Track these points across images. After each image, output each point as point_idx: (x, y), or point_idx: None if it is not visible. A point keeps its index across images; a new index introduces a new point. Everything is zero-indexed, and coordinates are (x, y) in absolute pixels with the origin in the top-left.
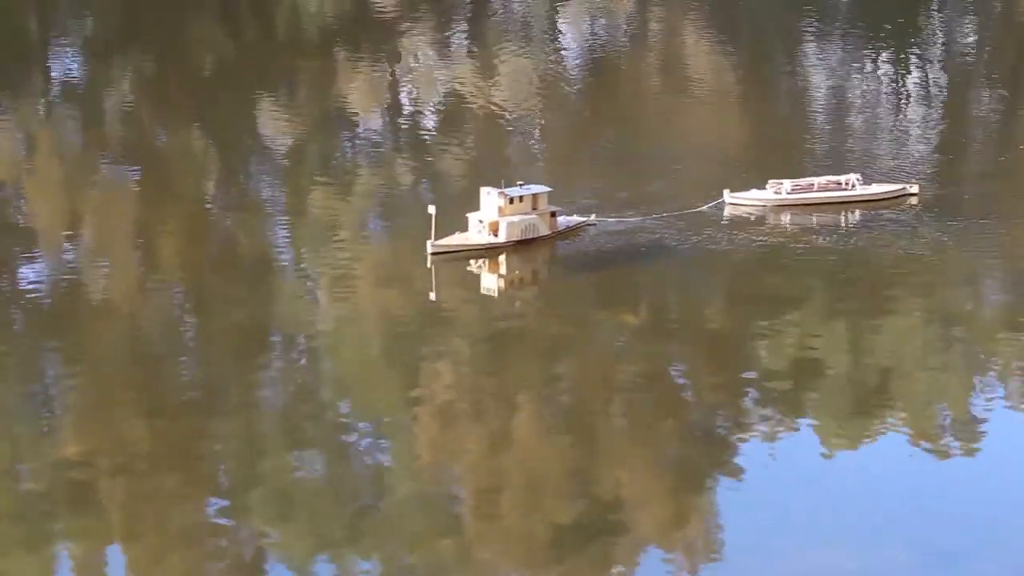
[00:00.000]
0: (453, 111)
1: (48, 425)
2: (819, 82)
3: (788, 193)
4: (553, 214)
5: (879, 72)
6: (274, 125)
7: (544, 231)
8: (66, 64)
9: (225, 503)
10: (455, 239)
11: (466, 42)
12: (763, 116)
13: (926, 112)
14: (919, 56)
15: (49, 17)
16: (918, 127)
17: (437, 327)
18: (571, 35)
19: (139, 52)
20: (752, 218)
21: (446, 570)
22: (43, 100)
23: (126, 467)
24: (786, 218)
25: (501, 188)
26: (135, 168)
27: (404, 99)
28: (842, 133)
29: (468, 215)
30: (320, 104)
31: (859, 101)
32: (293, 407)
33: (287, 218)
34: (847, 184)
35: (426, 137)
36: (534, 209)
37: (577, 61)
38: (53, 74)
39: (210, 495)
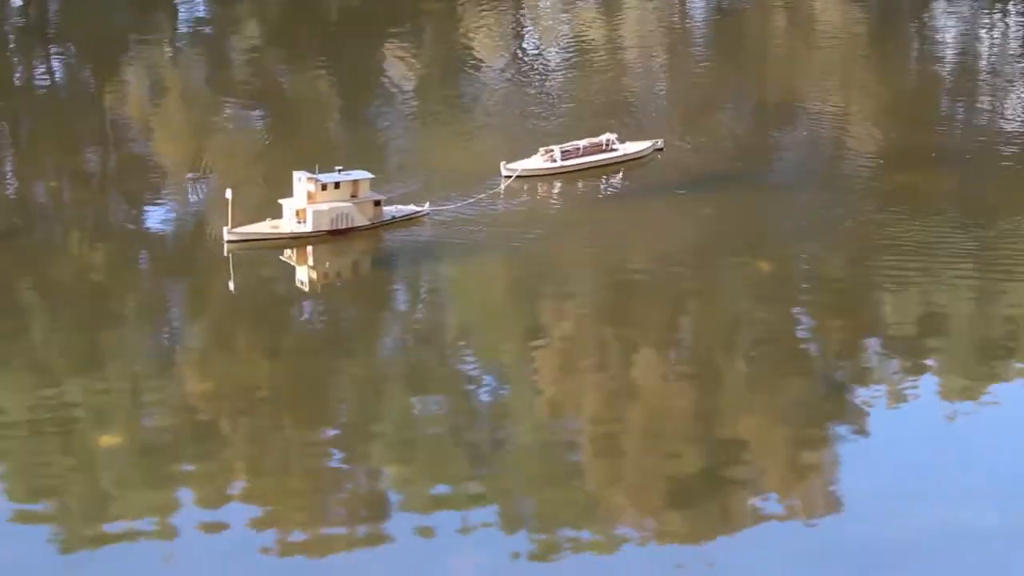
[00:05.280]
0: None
1: (173, 364)
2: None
3: (563, 159)
4: (377, 203)
5: None
6: (399, 68)
7: (361, 221)
8: (193, 7)
9: (345, 443)
10: (259, 227)
11: None
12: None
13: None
14: None
15: None
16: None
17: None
18: None
19: None
20: (525, 188)
21: (565, 515)
22: (170, 43)
23: (248, 406)
24: (557, 186)
25: (313, 172)
26: (260, 110)
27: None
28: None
29: (281, 201)
30: (444, 47)
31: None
32: (414, 350)
33: (409, 161)
34: (607, 144)
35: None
36: (353, 197)
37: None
38: (180, 17)
39: (330, 435)
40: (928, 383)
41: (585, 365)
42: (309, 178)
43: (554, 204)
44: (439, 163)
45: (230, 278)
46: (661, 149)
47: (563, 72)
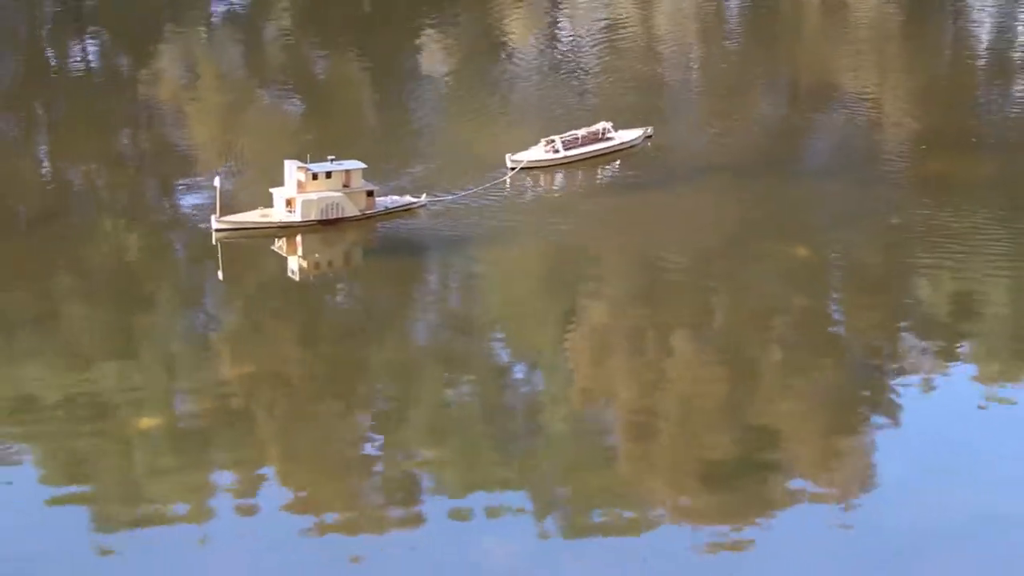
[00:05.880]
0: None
1: (207, 349)
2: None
3: (565, 149)
4: (370, 193)
5: None
6: (431, 54)
7: (352, 211)
8: None
9: (379, 428)
10: (249, 215)
11: None
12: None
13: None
14: None
15: None
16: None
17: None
18: None
19: None
20: (528, 180)
21: (598, 501)
22: (205, 27)
23: (282, 390)
24: (559, 177)
25: (305, 162)
26: (294, 95)
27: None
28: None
29: (272, 190)
30: (479, 33)
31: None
32: (448, 336)
33: (446, 146)
34: (602, 133)
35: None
36: (345, 187)
37: None
38: (214, 2)
39: (365, 419)
40: (962, 370)
41: (619, 353)
42: (299, 167)
43: (563, 194)
44: (453, 152)
45: (230, 266)
46: (651, 136)
47: (594, 57)
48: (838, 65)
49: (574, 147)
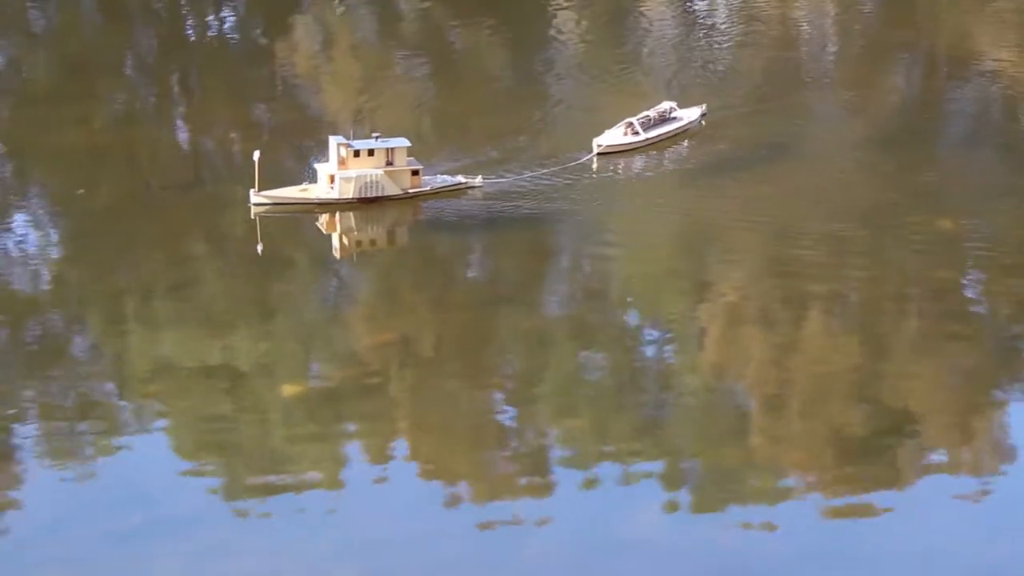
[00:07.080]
0: None
1: (340, 319)
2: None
3: (644, 131)
4: (416, 172)
5: None
6: (564, 20)
7: (393, 190)
8: None
9: (512, 397)
10: (288, 191)
11: None
12: None
13: None
14: None
15: None
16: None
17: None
18: None
19: None
20: (620, 167)
21: (730, 473)
22: None
23: (415, 359)
24: (640, 161)
25: (349, 138)
26: (427, 62)
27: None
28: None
29: (317, 166)
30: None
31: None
32: (580, 306)
33: (577, 114)
34: (669, 113)
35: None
36: (389, 164)
37: None
38: None
39: (496, 389)
40: None
41: (756, 325)
42: (341, 143)
43: (649, 175)
44: (549, 129)
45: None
46: (706, 115)
47: (726, 24)
48: (980, 33)
49: (649, 128)
